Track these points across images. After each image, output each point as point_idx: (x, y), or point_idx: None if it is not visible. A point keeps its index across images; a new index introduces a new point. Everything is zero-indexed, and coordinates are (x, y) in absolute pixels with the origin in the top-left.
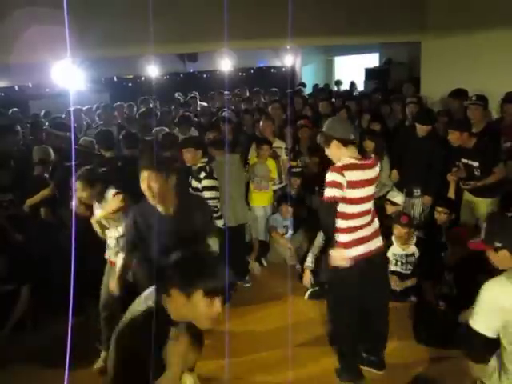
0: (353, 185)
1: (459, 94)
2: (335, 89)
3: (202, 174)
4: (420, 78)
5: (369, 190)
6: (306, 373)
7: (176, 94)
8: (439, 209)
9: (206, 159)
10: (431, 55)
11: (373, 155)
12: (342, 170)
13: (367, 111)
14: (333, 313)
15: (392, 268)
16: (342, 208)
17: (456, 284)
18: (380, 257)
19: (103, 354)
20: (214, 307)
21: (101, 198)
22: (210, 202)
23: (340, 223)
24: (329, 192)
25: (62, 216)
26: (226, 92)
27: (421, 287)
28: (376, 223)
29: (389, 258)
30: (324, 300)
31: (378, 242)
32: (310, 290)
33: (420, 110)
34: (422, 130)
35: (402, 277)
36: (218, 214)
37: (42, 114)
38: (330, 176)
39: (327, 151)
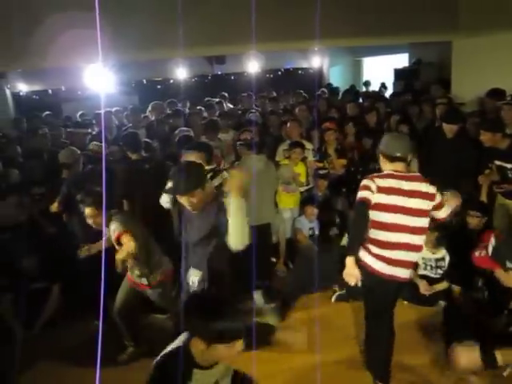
0: (382, 190)
1: (496, 93)
2: (363, 90)
3: None
4: (450, 78)
5: (409, 202)
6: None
7: (205, 97)
8: (471, 212)
9: (212, 166)
10: (462, 55)
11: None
12: (374, 177)
13: (396, 112)
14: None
15: (421, 272)
16: (373, 216)
17: (488, 289)
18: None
19: (130, 350)
20: (233, 350)
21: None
22: None
23: (372, 233)
24: (360, 194)
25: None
26: (252, 93)
27: (451, 292)
28: (415, 255)
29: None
30: (350, 302)
31: (405, 273)
32: (337, 292)
33: (448, 109)
34: (449, 129)
35: (431, 281)
36: None
37: (78, 115)
38: (362, 183)
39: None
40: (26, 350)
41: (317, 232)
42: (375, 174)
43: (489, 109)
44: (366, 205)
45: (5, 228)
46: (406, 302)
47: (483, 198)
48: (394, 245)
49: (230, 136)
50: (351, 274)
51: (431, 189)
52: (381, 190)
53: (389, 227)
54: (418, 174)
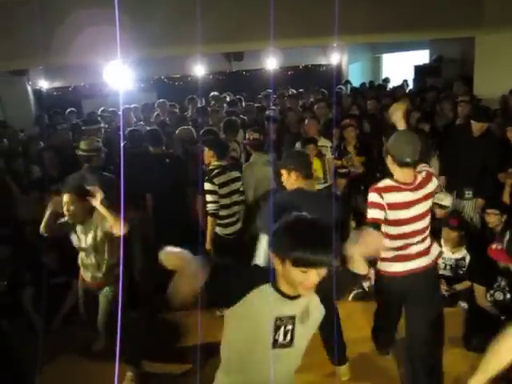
0: (392, 207)
1: None
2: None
3: (205, 177)
4: (472, 75)
5: (415, 210)
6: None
7: (224, 94)
8: (488, 210)
9: (220, 162)
10: (486, 51)
11: (425, 172)
12: (380, 191)
13: (416, 109)
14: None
15: (441, 272)
16: (385, 229)
17: (510, 289)
18: (429, 274)
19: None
20: (307, 279)
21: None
22: (209, 206)
23: (385, 243)
24: (371, 213)
25: None
26: (270, 91)
27: (472, 292)
28: (428, 241)
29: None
30: (368, 301)
31: (428, 260)
32: (354, 291)
33: (476, 107)
34: (477, 128)
35: (451, 281)
36: (222, 221)
37: (99, 111)
38: (371, 197)
39: (386, 161)
40: (46, 344)
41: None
42: (382, 187)
43: None
44: (378, 226)
45: (26, 223)
46: None
47: (506, 197)
48: (405, 247)
49: (239, 136)
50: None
51: (433, 185)
52: (389, 206)
53: (398, 237)
54: (424, 174)
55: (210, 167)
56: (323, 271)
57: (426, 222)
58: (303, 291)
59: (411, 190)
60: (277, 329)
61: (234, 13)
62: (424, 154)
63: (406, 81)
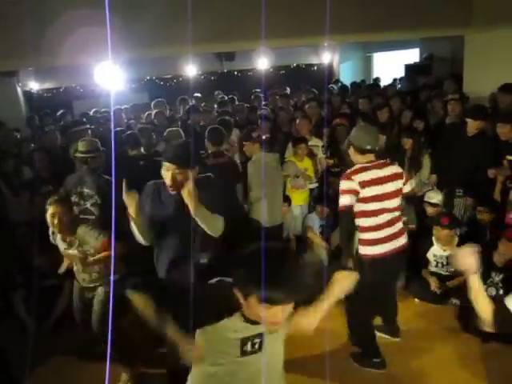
0: (365, 184)
1: (511, 88)
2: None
3: None
4: (462, 74)
5: (388, 187)
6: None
7: (216, 93)
8: (480, 208)
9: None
10: (475, 50)
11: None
12: (349, 175)
13: (408, 108)
14: (352, 304)
15: (432, 269)
16: (361, 207)
17: (504, 285)
18: (402, 253)
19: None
20: (272, 315)
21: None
22: None
23: (361, 221)
24: (342, 200)
25: None
26: (258, 90)
27: (464, 289)
28: (400, 223)
29: (428, 259)
30: None
31: (403, 240)
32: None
33: (472, 105)
34: (473, 125)
35: (442, 279)
36: None
37: (91, 112)
38: (342, 184)
39: (349, 152)
40: (38, 347)
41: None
42: (350, 171)
43: (504, 104)
44: (351, 212)
45: (18, 224)
46: (416, 300)
47: (497, 194)
48: (381, 225)
49: (234, 135)
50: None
51: (399, 169)
52: (363, 184)
53: (375, 213)
54: (384, 160)
55: None
56: (289, 307)
57: (396, 201)
58: (271, 326)
59: (378, 168)
60: (243, 344)
61: (225, 13)
62: (416, 151)
63: (396, 80)
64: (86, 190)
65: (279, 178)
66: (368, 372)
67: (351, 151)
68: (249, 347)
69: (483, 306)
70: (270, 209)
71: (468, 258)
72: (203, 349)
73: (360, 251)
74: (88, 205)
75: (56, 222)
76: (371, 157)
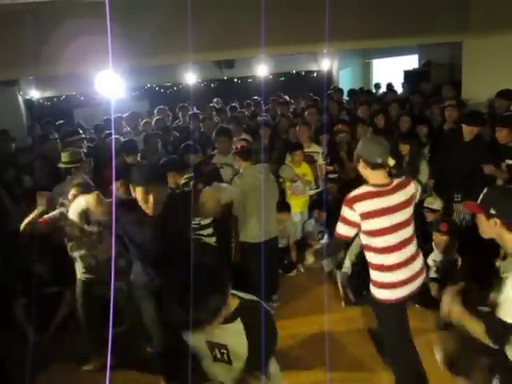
0: (369, 215)
1: (508, 94)
2: (373, 91)
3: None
4: (461, 80)
5: (395, 218)
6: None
7: (215, 100)
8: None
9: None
10: (473, 56)
11: (403, 177)
12: (352, 203)
13: (406, 114)
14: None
15: (432, 275)
16: (366, 241)
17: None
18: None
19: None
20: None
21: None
22: None
23: (370, 257)
24: (339, 229)
25: None
26: (256, 98)
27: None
28: (420, 258)
29: (428, 265)
30: (361, 306)
31: (423, 277)
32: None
33: (467, 111)
34: (468, 132)
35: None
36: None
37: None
38: (342, 210)
39: (358, 168)
40: (38, 354)
41: (326, 236)
42: (353, 196)
43: (501, 110)
44: (343, 241)
45: (18, 233)
46: (417, 306)
47: None
48: (395, 265)
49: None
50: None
51: (412, 189)
52: (365, 216)
53: (384, 250)
54: (399, 179)
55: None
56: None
57: (407, 231)
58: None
59: (389, 194)
60: (212, 349)
61: (224, 21)
62: (414, 157)
63: (390, 85)
64: (66, 202)
65: (270, 189)
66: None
67: (360, 165)
68: (218, 354)
69: (476, 330)
70: (260, 224)
71: (450, 309)
72: None
73: (374, 294)
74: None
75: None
76: (382, 175)
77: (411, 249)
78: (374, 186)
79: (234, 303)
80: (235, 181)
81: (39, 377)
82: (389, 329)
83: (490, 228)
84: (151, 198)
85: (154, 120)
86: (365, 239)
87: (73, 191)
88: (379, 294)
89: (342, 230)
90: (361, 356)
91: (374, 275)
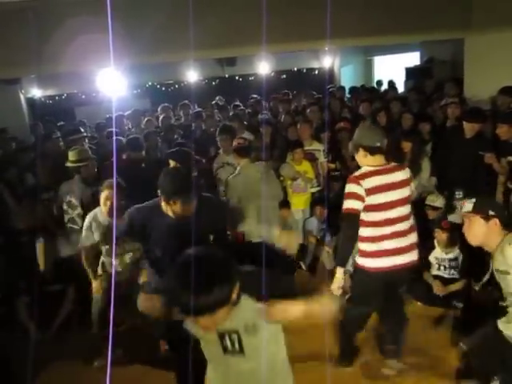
0: (373, 191)
1: (510, 91)
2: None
3: None
4: (463, 77)
5: (396, 194)
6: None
7: (217, 98)
8: None
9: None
10: (475, 53)
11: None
12: (358, 179)
13: (408, 111)
14: (348, 307)
15: (434, 273)
16: (364, 216)
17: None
18: (409, 271)
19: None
20: (201, 324)
21: None
22: None
23: (364, 231)
24: (347, 204)
25: None
26: (255, 96)
27: (470, 291)
28: (413, 236)
29: (430, 262)
30: None
31: (412, 256)
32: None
33: (468, 108)
34: (470, 128)
35: (445, 281)
36: None
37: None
38: (348, 187)
39: (356, 158)
40: (41, 352)
41: (328, 233)
42: (358, 175)
43: (504, 107)
44: (356, 216)
45: (21, 231)
46: (419, 303)
47: (498, 195)
48: (387, 236)
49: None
50: (339, 287)
51: (407, 174)
52: (369, 191)
53: (381, 223)
54: (393, 163)
55: None
56: (217, 316)
57: (405, 209)
58: (204, 331)
59: (387, 172)
60: (221, 337)
61: (226, 19)
62: (416, 155)
63: (392, 82)
64: (73, 200)
65: (271, 188)
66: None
67: (359, 154)
68: (228, 344)
69: None
70: (257, 223)
71: None
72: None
73: (358, 262)
74: (74, 214)
75: (108, 204)
76: (381, 159)
77: (406, 224)
78: (373, 166)
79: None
80: (229, 181)
81: (42, 375)
82: (356, 292)
83: (491, 229)
84: (184, 209)
85: (161, 118)
86: (365, 214)
87: (106, 193)
88: (363, 262)
89: (351, 204)
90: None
91: (364, 246)
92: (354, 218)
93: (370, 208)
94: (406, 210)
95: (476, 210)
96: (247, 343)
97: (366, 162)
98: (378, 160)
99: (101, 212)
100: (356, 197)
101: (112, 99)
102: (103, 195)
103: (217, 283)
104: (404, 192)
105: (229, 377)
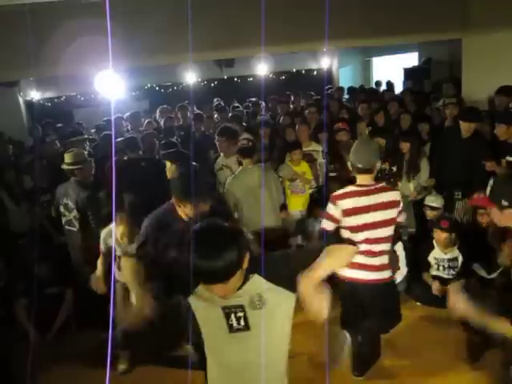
0: (350, 212)
1: (507, 91)
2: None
3: None
4: (461, 77)
5: (379, 215)
6: None
7: (215, 100)
8: (480, 211)
9: None
10: (473, 53)
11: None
12: (336, 199)
13: (406, 112)
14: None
15: (434, 273)
16: (347, 235)
17: (504, 288)
18: (386, 287)
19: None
20: (214, 291)
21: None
22: None
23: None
24: (323, 223)
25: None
26: (253, 99)
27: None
28: (385, 258)
29: (429, 262)
30: None
31: (384, 274)
32: None
33: (464, 107)
34: (466, 128)
35: (444, 281)
36: None
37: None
38: (327, 206)
39: None
40: (40, 355)
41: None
42: (338, 194)
43: (501, 107)
44: (330, 235)
45: (19, 234)
46: (418, 304)
47: None
48: (372, 253)
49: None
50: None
51: (395, 196)
52: (346, 213)
53: (364, 242)
54: (380, 184)
55: None
56: (230, 284)
57: (390, 229)
58: (220, 297)
59: (370, 193)
60: (227, 316)
61: (224, 20)
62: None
63: (390, 83)
64: (69, 203)
65: (272, 189)
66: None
67: (350, 167)
68: (234, 321)
69: (504, 330)
70: (258, 225)
71: (459, 304)
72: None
73: (342, 274)
74: (71, 217)
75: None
76: (368, 178)
77: (383, 246)
78: (359, 185)
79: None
80: (228, 182)
81: (42, 377)
82: (344, 302)
83: (507, 218)
84: (197, 211)
85: (163, 120)
86: (348, 234)
87: (121, 229)
88: (347, 273)
89: (323, 223)
90: None
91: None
92: (329, 236)
93: (348, 229)
94: (387, 231)
95: (490, 197)
96: (252, 316)
97: (354, 175)
98: (365, 180)
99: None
100: (329, 217)
101: (110, 101)
102: (119, 231)
103: (227, 249)
104: (388, 213)
105: (230, 370)
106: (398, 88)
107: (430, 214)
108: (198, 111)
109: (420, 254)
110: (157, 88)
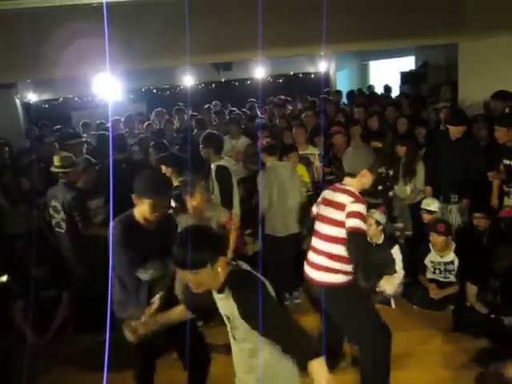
0: (319, 202)
1: (503, 95)
2: (367, 93)
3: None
4: (457, 81)
5: (325, 211)
6: None
7: (213, 103)
8: (476, 215)
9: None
10: (469, 57)
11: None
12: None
13: (402, 115)
14: None
15: (430, 276)
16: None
17: (502, 291)
18: (330, 293)
19: None
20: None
21: None
22: None
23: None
24: (361, 224)
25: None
26: (254, 100)
27: (464, 293)
28: (326, 260)
29: (426, 266)
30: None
31: (323, 276)
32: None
33: (452, 112)
34: (455, 131)
35: (440, 285)
36: None
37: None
38: (359, 207)
39: None
40: (37, 358)
41: None
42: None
43: (497, 111)
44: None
45: (16, 236)
46: (415, 307)
47: (494, 200)
48: (312, 248)
49: (241, 142)
50: None
51: (346, 199)
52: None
53: (314, 234)
54: (348, 187)
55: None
56: (198, 276)
57: (327, 228)
58: (195, 289)
59: (333, 190)
60: (223, 316)
61: (222, 24)
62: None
63: (387, 87)
64: (57, 205)
65: (293, 187)
66: None
67: None
68: (228, 326)
69: None
70: (283, 218)
71: None
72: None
73: (334, 280)
74: (59, 219)
75: None
76: (352, 181)
77: (326, 245)
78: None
79: (225, 271)
80: (260, 174)
81: (39, 379)
82: (351, 305)
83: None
84: (158, 211)
85: (164, 122)
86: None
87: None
88: (339, 279)
89: (362, 225)
90: None
91: (343, 266)
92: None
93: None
94: (330, 230)
95: None
96: (233, 329)
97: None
98: (349, 182)
99: None
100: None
101: (108, 104)
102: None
103: (199, 247)
104: (332, 212)
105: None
106: (395, 92)
107: (426, 217)
108: (194, 114)
109: (416, 257)
110: (154, 90)
